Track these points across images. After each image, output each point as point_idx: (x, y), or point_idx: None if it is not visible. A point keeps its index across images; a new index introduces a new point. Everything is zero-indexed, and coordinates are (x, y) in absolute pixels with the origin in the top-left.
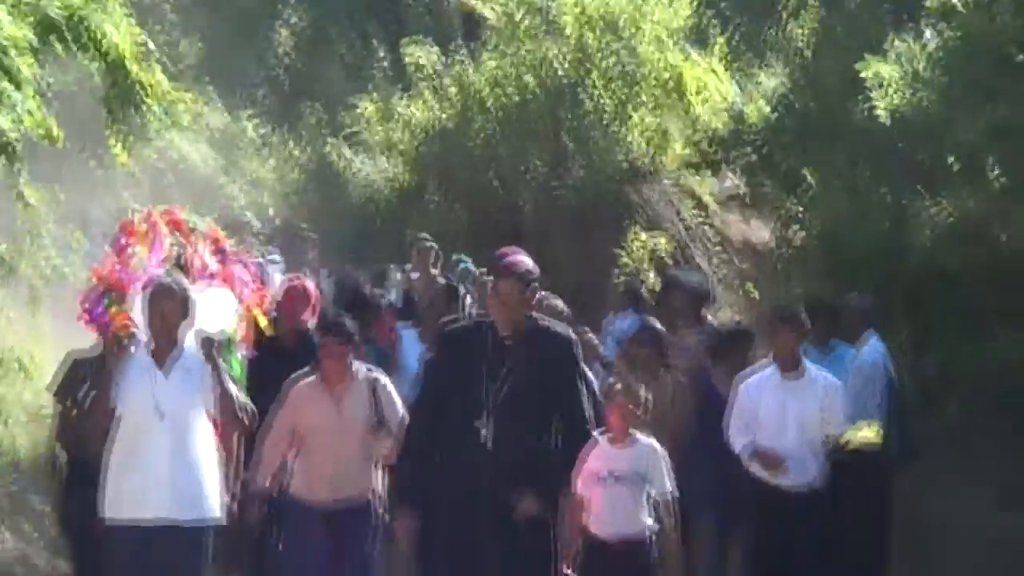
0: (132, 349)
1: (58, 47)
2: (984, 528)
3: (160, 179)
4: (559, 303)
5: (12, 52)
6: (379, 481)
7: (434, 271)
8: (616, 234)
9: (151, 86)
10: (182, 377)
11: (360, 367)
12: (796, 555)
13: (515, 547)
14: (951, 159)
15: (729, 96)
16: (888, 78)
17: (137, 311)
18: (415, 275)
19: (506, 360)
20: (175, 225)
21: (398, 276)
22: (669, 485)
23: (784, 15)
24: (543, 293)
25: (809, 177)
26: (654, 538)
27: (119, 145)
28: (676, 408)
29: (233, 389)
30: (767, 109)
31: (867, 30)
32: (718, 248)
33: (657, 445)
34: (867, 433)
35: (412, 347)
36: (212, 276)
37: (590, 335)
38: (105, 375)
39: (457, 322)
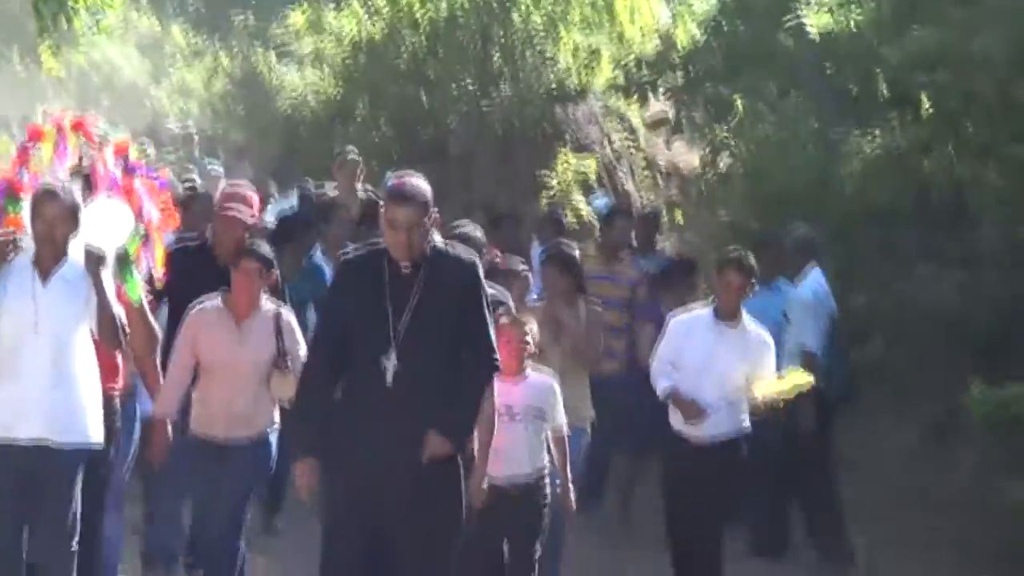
0: (13, 255)
1: None
2: (908, 461)
3: (87, 84)
4: (478, 233)
5: None
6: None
7: (358, 186)
8: (543, 156)
9: None
10: (63, 289)
11: (265, 299)
12: (701, 506)
13: (421, 491)
14: (882, 87)
15: (660, 18)
16: None
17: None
18: (336, 190)
19: (408, 290)
20: (81, 130)
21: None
22: (560, 420)
23: None
24: (462, 221)
25: (738, 103)
26: (547, 478)
27: (47, 50)
28: (591, 336)
29: (114, 306)
30: (697, 32)
31: None
32: (645, 173)
33: (552, 380)
34: (797, 381)
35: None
36: (118, 188)
37: (526, 272)
38: None
39: (356, 251)
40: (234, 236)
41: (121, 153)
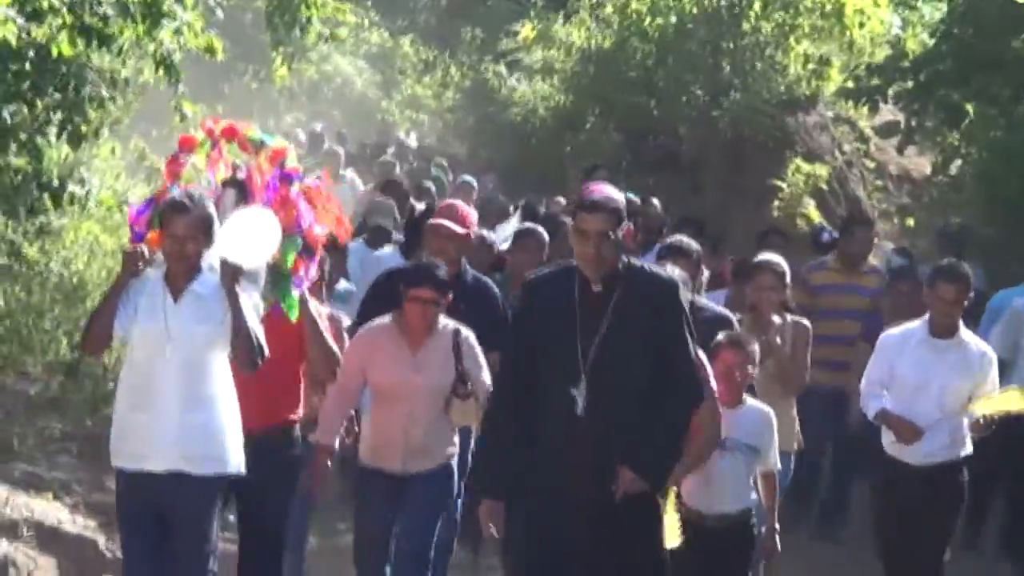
0: (147, 271)
1: None
2: None
3: (318, 97)
4: (694, 245)
5: None
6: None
7: None
8: (774, 164)
9: (313, 3)
10: (195, 305)
11: (442, 317)
12: (913, 533)
13: (614, 532)
14: None
15: (889, 25)
16: None
17: None
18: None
19: (600, 312)
20: (235, 137)
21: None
22: (774, 457)
23: None
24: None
25: (969, 109)
26: (753, 517)
27: (280, 60)
28: (797, 356)
29: (251, 325)
30: (927, 38)
31: None
32: (876, 181)
33: (770, 411)
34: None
35: None
36: (278, 197)
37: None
38: (109, 292)
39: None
40: (444, 253)
41: (277, 160)
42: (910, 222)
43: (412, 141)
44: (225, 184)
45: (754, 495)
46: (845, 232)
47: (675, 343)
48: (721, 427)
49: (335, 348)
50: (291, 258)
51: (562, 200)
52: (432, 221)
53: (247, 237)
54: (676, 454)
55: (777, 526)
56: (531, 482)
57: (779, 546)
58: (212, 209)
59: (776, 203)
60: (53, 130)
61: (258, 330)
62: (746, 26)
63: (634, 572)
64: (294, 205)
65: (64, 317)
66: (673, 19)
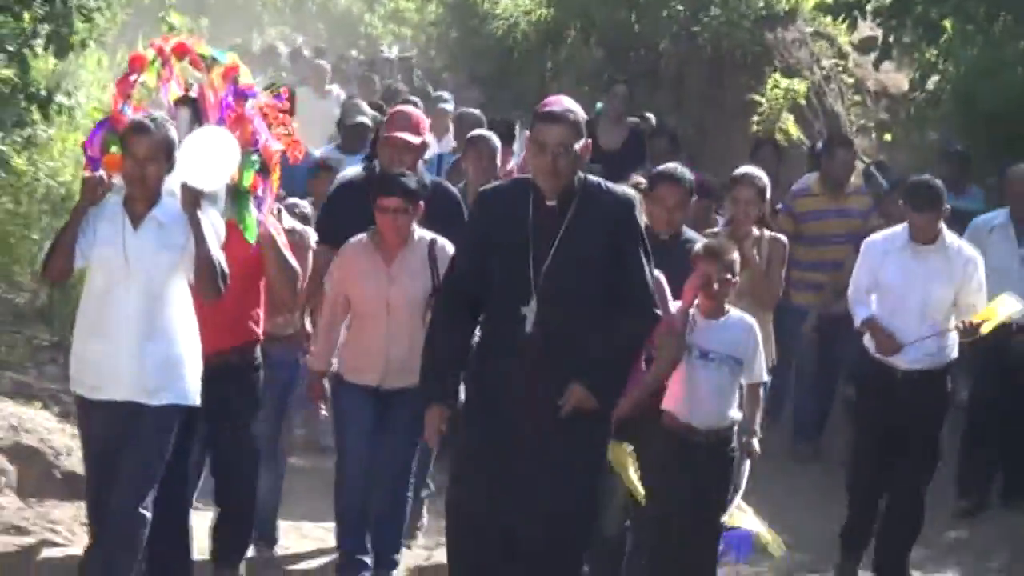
0: (109, 197)
1: None
2: None
3: (303, 11)
4: (688, 175)
5: None
6: None
7: None
8: (752, 79)
9: None
10: (155, 233)
11: (417, 229)
12: (896, 443)
13: (556, 449)
14: None
15: None
16: None
17: None
18: None
19: (553, 228)
20: (186, 54)
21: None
22: (760, 369)
23: None
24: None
25: (947, 25)
26: (735, 429)
27: None
28: (772, 272)
29: (214, 252)
30: None
31: None
32: (855, 95)
33: (754, 322)
34: (1010, 308)
35: None
36: (233, 115)
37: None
38: (69, 221)
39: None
40: (400, 164)
41: (230, 76)
42: (887, 137)
43: (393, 54)
44: (178, 103)
45: (738, 411)
46: (826, 153)
47: (629, 262)
48: (683, 345)
49: (295, 266)
50: (249, 176)
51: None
52: (386, 133)
53: (206, 159)
54: (626, 375)
55: (758, 434)
56: (480, 396)
57: (757, 450)
58: (174, 133)
59: (755, 117)
60: (40, 41)
61: (220, 256)
62: None
63: (567, 491)
64: (249, 122)
65: (52, 228)
66: None
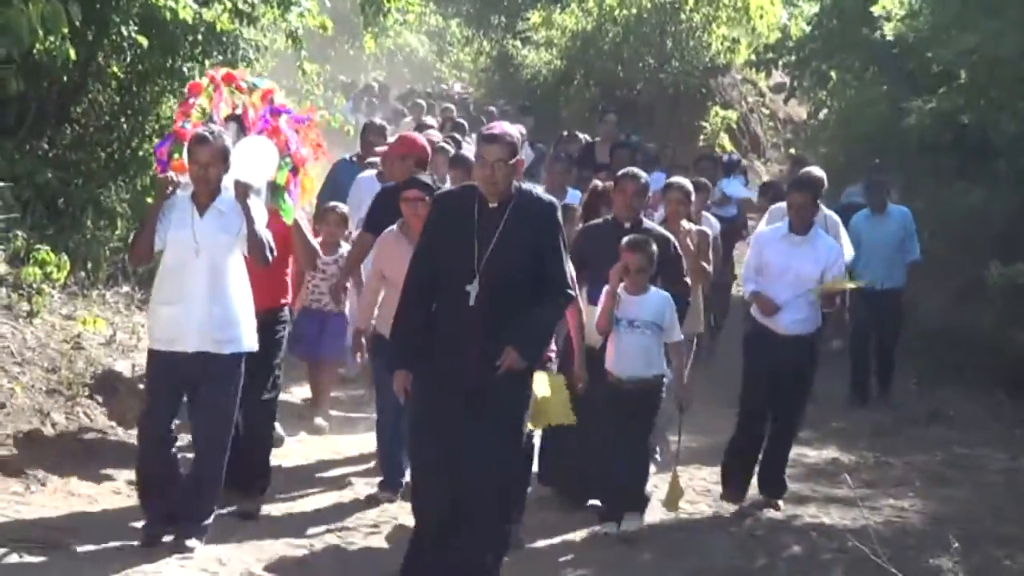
0: (177, 193)
1: None
2: (945, 318)
3: (393, 60)
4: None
5: None
6: None
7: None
8: (701, 110)
9: None
10: (217, 219)
11: None
12: (777, 387)
13: (492, 399)
14: (935, 68)
15: (780, 17)
16: (891, 9)
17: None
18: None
19: (494, 225)
20: (232, 82)
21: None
22: (675, 332)
23: None
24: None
25: (833, 75)
26: (666, 382)
27: (369, 37)
28: (700, 257)
29: (261, 231)
30: (805, 26)
31: None
32: (770, 122)
33: (668, 296)
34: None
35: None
36: (269, 127)
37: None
38: (148, 215)
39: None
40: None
41: (267, 97)
42: (792, 151)
43: (456, 89)
44: (227, 119)
45: (666, 367)
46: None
47: (550, 252)
48: (611, 319)
49: (316, 245)
50: (283, 174)
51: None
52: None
53: (253, 161)
54: (546, 339)
55: (685, 382)
56: (431, 359)
57: (688, 397)
58: (228, 142)
59: (702, 136)
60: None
61: (267, 235)
62: (683, 16)
63: (501, 431)
64: (282, 133)
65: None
66: (634, 10)
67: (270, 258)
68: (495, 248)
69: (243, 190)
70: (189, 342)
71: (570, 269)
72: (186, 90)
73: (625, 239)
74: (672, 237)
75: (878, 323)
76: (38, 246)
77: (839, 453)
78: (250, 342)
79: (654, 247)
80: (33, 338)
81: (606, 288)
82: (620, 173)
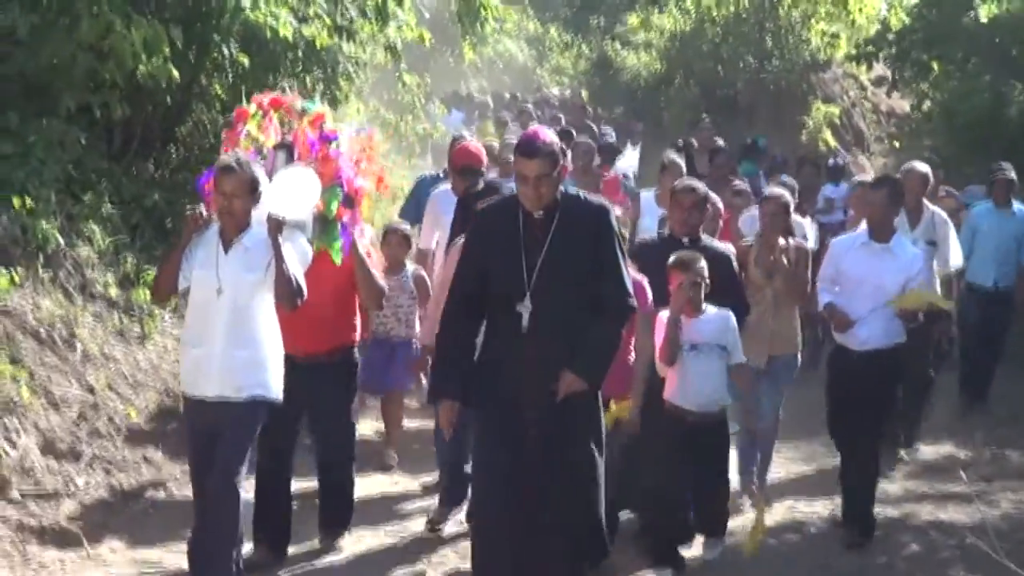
0: (207, 227)
1: None
2: None
3: (493, 68)
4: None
5: None
6: None
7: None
8: (801, 107)
9: (488, 6)
10: (240, 255)
11: None
12: (856, 409)
13: (558, 427)
14: None
15: (879, 10)
16: None
17: None
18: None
19: (541, 237)
20: (280, 106)
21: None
22: (738, 353)
23: None
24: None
25: (934, 66)
26: (728, 411)
27: (467, 46)
28: (799, 273)
29: (291, 271)
30: (905, 18)
31: None
32: (873, 116)
33: (729, 313)
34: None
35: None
36: (320, 155)
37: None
38: (173, 250)
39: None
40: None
41: (318, 123)
42: (896, 144)
43: (555, 93)
44: (276, 147)
45: (727, 396)
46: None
47: (608, 262)
48: (678, 345)
49: (381, 283)
50: (334, 206)
51: (694, 142)
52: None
53: (289, 192)
54: (609, 359)
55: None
56: (485, 392)
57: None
58: (258, 172)
59: (804, 132)
60: (317, 97)
61: (298, 274)
62: (781, 12)
63: (575, 465)
64: (334, 160)
65: None
66: (732, 8)
67: (299, 302)
68: (545, 261)
69: (275, 225)
70: (210, 387)
71: (632, 277)
72: (232, 117)
73: (673, 257)
74: (732, 255)
75: (989, 321)
76: (148, 268)
77: (954, 449)
78: (275, 389)
79: (703, 262)
80: (145, 360)
81: (665, 314)
82: (676, 185)
